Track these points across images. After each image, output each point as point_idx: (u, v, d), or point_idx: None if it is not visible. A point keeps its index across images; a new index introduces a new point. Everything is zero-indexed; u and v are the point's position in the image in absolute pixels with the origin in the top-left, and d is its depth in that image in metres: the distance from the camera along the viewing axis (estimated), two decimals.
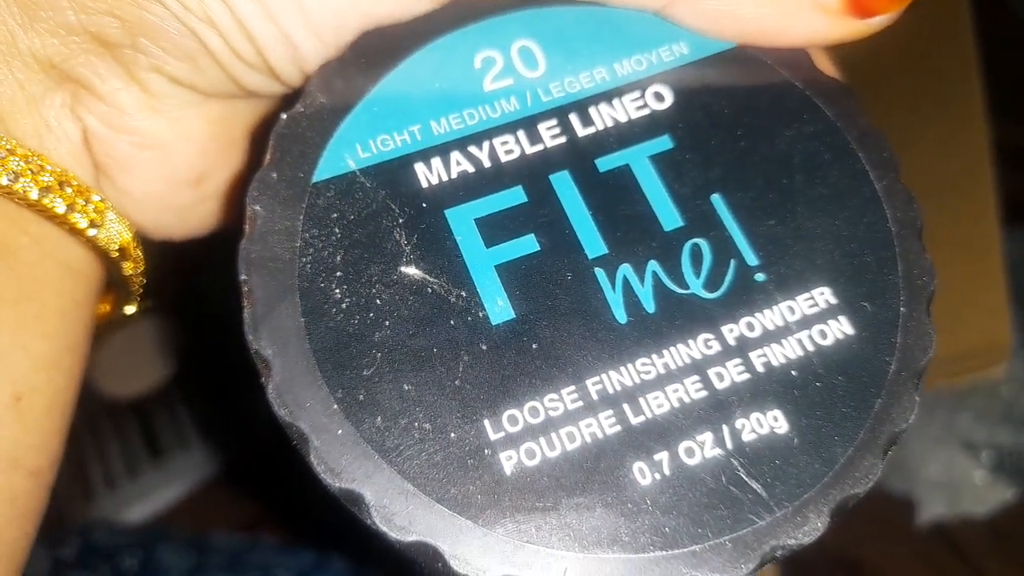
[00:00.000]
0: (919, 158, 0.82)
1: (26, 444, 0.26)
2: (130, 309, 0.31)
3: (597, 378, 0.22)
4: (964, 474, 0.83)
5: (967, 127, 0.81)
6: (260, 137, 0.28)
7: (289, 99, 0.26)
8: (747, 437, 0.22)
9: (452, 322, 0.23)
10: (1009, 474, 0.83)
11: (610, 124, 0.25)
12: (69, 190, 0.26)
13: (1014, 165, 0.79)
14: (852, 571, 0.81)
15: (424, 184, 0.24)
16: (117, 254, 0.28)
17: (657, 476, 0.21)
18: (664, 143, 0.25)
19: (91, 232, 0.27)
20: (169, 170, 0.28)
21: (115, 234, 0.27)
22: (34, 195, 0.25)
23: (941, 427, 0.84)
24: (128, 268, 0.29)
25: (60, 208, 0.26)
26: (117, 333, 0.74)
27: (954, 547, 0.82)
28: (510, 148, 0.25)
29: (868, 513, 0.79)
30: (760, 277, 0.24)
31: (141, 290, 0.30)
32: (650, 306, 0.23)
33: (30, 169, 0.25)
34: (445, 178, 0.24)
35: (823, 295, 0.23)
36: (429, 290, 0.23)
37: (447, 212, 0.24)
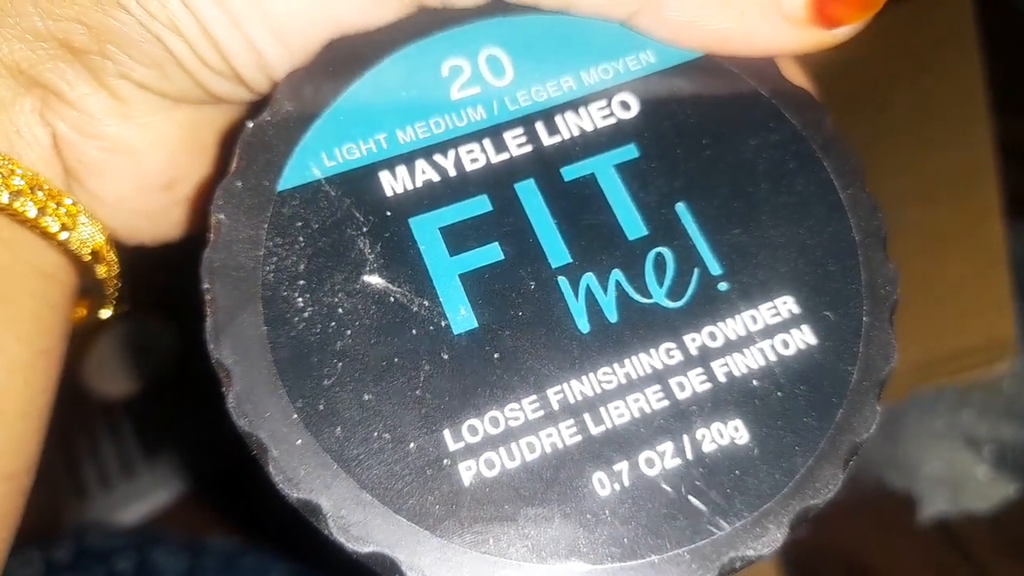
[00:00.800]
0: (923, 155, 0.82)
1: (1, 448, 0.26)
2: (106, 313, 0.31)
3: (558, 388, 0.22)
4: (966, 470, 0.83)
5: (971, 123, 0.81)
6: (228, 144, 0.28)
7: (257, 107, 0.26)
8: (707, 447, 0.22)
9: (414, 331, 0.23)
10: (1012, 470, 0.82)
11: (576, 133, 0.25)
12: (40, 194, 0.26)
13: (1018, 161, 0.79)
14: (854, 568, 0.81)
15: (389, 193, 0.24)
16: (90, 257, 0.28)
17: (616, 486, 0.21)
18: (630, 152, 0.25)
19: (63, 236, 0.27)
20: (140, 175, 0.28)
21: (87, 237, 0.27)
22: (4, 199, 0.25)
23: (943, 423, 0.84)
24: (102, 271, 0.29)
25: (31, 212, 0.26)
26: (109, 333, 0.74)
27: (956, 543, 0.82)
28: (476, 157, 0.25)
29: (870, 510, 0.79)
30: (723, 286, 0.24)
31: (117, 293, 0.30)
32: (612, 315, 0.23)
33: (0, 173, 0.25)
34: (410, 187, 0.24)
35: (786, 304, 0.23)
36: (392, 299, 0.23)
37: (411, 221, 0.24)
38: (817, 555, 0.78)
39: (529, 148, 0.25)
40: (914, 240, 0.79)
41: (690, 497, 0.21)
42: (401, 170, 0.24)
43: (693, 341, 0.23)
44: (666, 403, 0.22)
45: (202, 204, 0.29)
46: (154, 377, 0.78)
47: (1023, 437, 0.83)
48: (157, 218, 0.29)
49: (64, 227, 0.27)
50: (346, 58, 0.25)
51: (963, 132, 0.81)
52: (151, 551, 0.50)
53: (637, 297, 0.23)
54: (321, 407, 0.22)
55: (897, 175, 0.82)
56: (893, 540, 0.82)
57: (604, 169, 0.25)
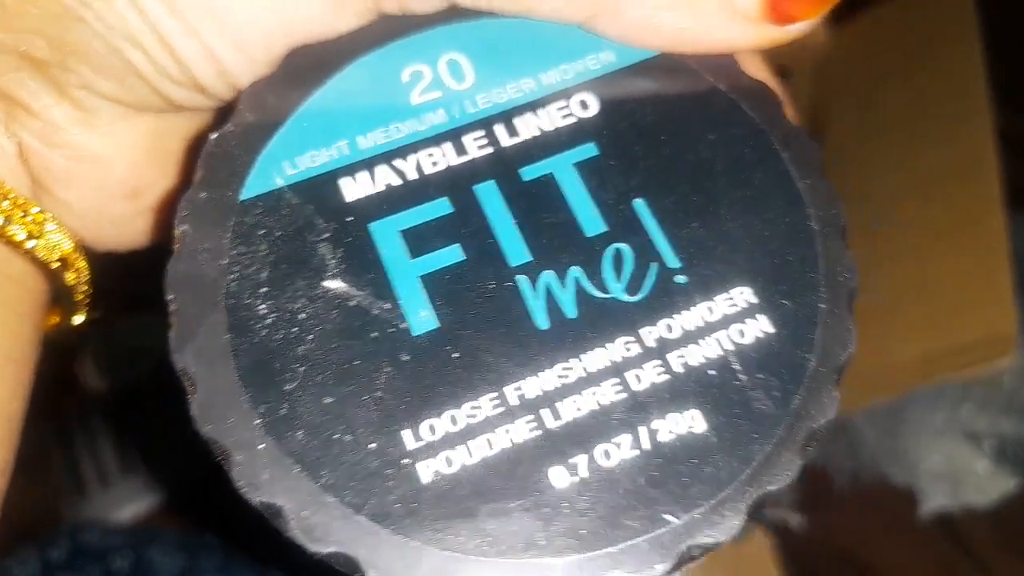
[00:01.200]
0: (922, 150, 0.82)
1: None
2: (78, 319, 0.32)
3: (516, 384, 0.23)
4: (967, 465, 0.83)
5: (971, 117, 0.81)
6: (193, 154, 0.28)
7: (222, 114, 0.26)
8: (664, 437, 0.22)
9: (374, 334, 0.23)
10: (1012, 464, 0.82)
11: (535, 133, 0.25)
12: (6, 203, 0.26)
13: (1019, 154, 0.79)
14: (854, 563, 0.81)
15: (349, 198, 0.24)
16: (58, 264, 0.28)
17: (574, 479, 0.22)
18: (589, 150, 0.25)
19: (29, 244, 0.27)
20: (106, 183, 0.28)
21: (55, 245, 0.28)
22: None
23: (944, 418, 0.83)
24: (71, 278, 0.29)
25: None
26: (106, 332, 0.74)
27: (957, 538, 0.82)
28: (436, 160, 0.25)
29: (871, 505, 0.79)
30: (680, 279, 0.24)
31: (87, 300, 0.31)
32: (571, 311, 0.23)
33: None
34: (371, 192, 0.25)
35: (743, 295, 0.24)
36: (352, 303, 0.23)
37: (371, 225, 0.24)
38: (817, 550, 0.79)
39: (489, 150, 0.25)
40: (915, 235, 0.79)
41: (647, 487, 0.22)
42: (362, 175, 0.25)
43: (650, 333, 0.23)
44: (624, 395, 0.23)
45: (169, 214, 0.29)
46: (152, 376, 0.78)
47: (1023, 431, 0.82)
48: (123, 226, 0.29)
49: (31, 235, 0.27)
50: (308, 66, 0.25)
51: (964, 126, 0.81)
52: (147, 549, 0.51)
53: (595, 292, 0.24)
54: (283, 412, 0.22)
55: (894, 170, 0.82)
56: (893, 535, 0.82)
57: (563, 168, 0.25)
